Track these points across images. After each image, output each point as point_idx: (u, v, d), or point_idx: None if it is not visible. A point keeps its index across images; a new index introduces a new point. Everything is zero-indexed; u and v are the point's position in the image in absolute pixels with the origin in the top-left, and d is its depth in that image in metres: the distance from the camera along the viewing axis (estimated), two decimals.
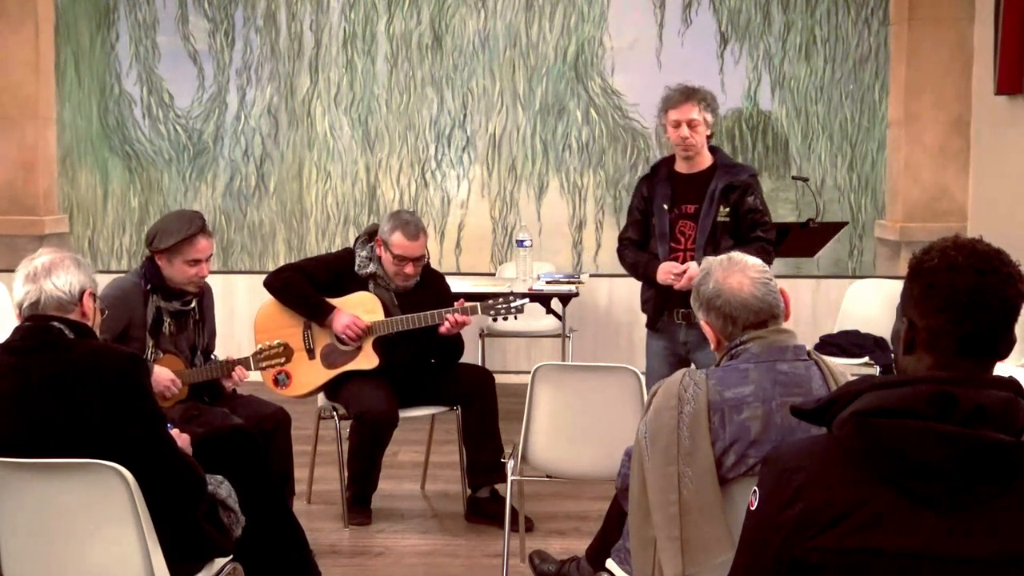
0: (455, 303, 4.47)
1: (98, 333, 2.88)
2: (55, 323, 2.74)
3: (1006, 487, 1.58)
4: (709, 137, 4.36)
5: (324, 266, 4.60)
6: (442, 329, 4.41)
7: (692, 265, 4.21)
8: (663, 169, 4.44)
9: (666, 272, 4.27)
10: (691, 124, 4.27)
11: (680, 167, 4.39)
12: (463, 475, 4.66)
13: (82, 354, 2.72)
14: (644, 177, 4.54)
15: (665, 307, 4.37)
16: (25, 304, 2.78)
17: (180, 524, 2.82)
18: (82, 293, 2.80)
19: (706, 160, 4.37)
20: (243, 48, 7.18)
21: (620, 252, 4.56)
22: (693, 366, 4.43)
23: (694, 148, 4.31)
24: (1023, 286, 1.69)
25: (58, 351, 2.71)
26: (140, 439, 2.69)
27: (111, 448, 2.64)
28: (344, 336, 4.43)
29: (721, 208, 4.27)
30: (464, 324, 4.44)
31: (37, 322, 2.75)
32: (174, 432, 3.01)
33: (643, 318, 4.57)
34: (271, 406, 4.14)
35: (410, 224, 4.46)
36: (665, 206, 4.36)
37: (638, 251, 4.45)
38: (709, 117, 4.31)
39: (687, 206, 4.35)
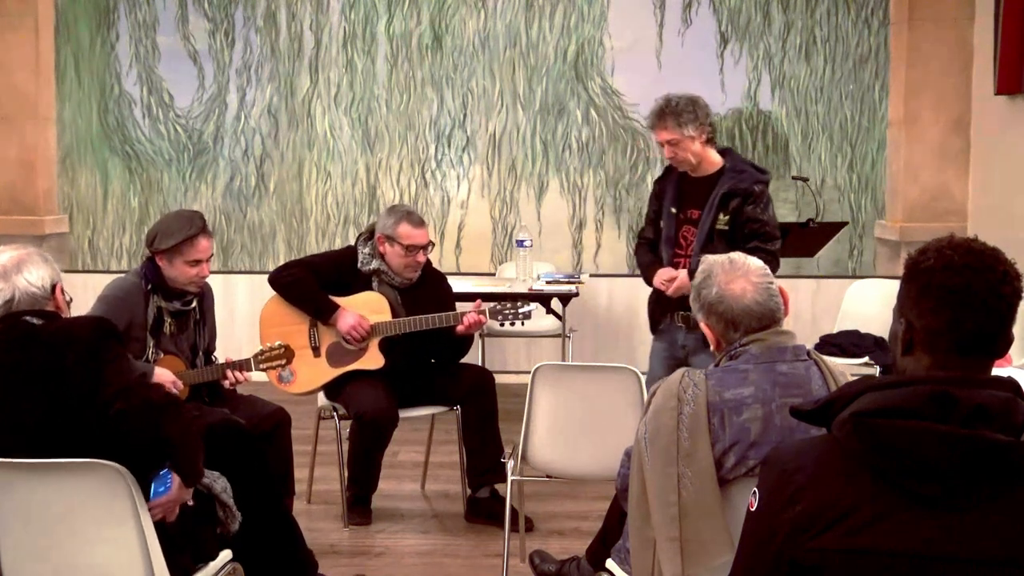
0: (474, 304, 4.48)
1: None
2: (25, 318, 2.76)
3: (1006, 487, 1.58)
4: (710, 140, 4.25)
5: (328, 263, 4.61)
6: (460, 328, 4.41)
7: (682, 273, 4.16)
8: (676, 171, 4.34)
9: (659, 279, 4.26)
10: (670, 143, 4.19)
11: (690, 171, 4.30)
12: (463, 475, 4.67)
13: (50, 333, 2.74)
14: (658, 177, 4.48)
15: (665, 310, 4.33)
16: None
17: (180, 523, 2.82)
18: (54, 287, 2.82)
19: (714, 164, 4.26)
20: (243, 48, 7.18)
21: (636, 250, 4.54)
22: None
23: (684, 163, 4.24)
24: (1019, 284, 1.69)
25: (30, 339, 2.73)
26: (123, 390, 2.70)
27: (98, 422, 2.65)
28: (349, 336, 4.44)
29: (720, 216, 4.16)
30: (482, 324, 4.45)
31: (10, 321, 2.76)
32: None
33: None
34: (271, 406, 4.14)
35: (412, 214, 4.53)
36: (673, 209, 4.28)
37: (649, 252, 4.42)
38: (689, 130, 4.17)
39: (692, 211, 4.26)
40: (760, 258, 3.89)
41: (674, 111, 4.17)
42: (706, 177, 4.25)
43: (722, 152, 4.30)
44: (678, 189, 4.30)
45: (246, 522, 3.10)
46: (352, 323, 4.42)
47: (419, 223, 4.50)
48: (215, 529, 3.00)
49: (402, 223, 4.46)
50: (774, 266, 4.16)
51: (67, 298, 2.92)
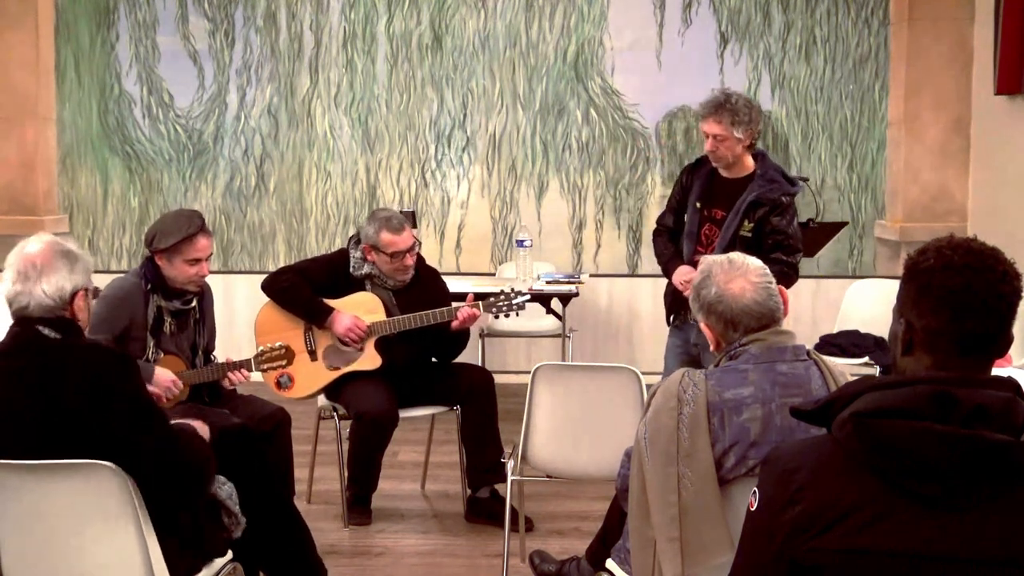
0: (466, 300, 4.48)
1: (85, 328, 2.84)
2: (39, 327, 2.72)
3: (1006, 487, 1.58)
4: (751, 146, 4.24)
5: (321, 268, 4.60)
6: (455, 324, 4.41)
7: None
8: (708, 165, 4.33)
9: (678, 277, 4.25)
10: (716, 137, 4.18)
11: (722, 169, 4.30)
12: (463, 475, 4.67)
13: (64, 355, 2.69)
14: (688, 166, 4.46)
15: (681, 306, 4.31)
16: (14, 306, 2.75)
17: (180, 524, 2.82)
18: (74, 295, 2.76)
19: (747, 168, 4.25)
20: (243, 48, 7.18)
21: (654, 237, 4.53)
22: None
23: (722, 160, 4.23)
24: (1019, 284, 1.69)
25: (40, 354, 2.69)
26: (127, 438, 2.67)
27: (103, 448, 2.64)
28: (347, 339, 4.43)
29: (745, 222, 4.17)
30: (475, 318, 4.44)
31: (23, 326, 2.74)
32: (196, 423, 3.04)
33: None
34: (271, 406, 4.14)
35: (392, 219, 4.48)
36: (698, 204, 4.28)
37: (668, 242, 4.41)
38: (738, 131, 4.16)
39: (717, 210, 4.26)
40: (780, 270, 3.85)
41: (732, 108, 4.16)
42: (736, 179, 4.26)
43: (755, 156, 4.29)
44: (706, 185, 4.30)
45: (252, 523, 3.09)
46: (348, 325, 4.41)
47: (399, 228, 4.45)
48: (219, 532, 3.00)
49: (382, 232, 4.44)
50: (793, 278, 4.18)
51: (92, 289, 2.88)
